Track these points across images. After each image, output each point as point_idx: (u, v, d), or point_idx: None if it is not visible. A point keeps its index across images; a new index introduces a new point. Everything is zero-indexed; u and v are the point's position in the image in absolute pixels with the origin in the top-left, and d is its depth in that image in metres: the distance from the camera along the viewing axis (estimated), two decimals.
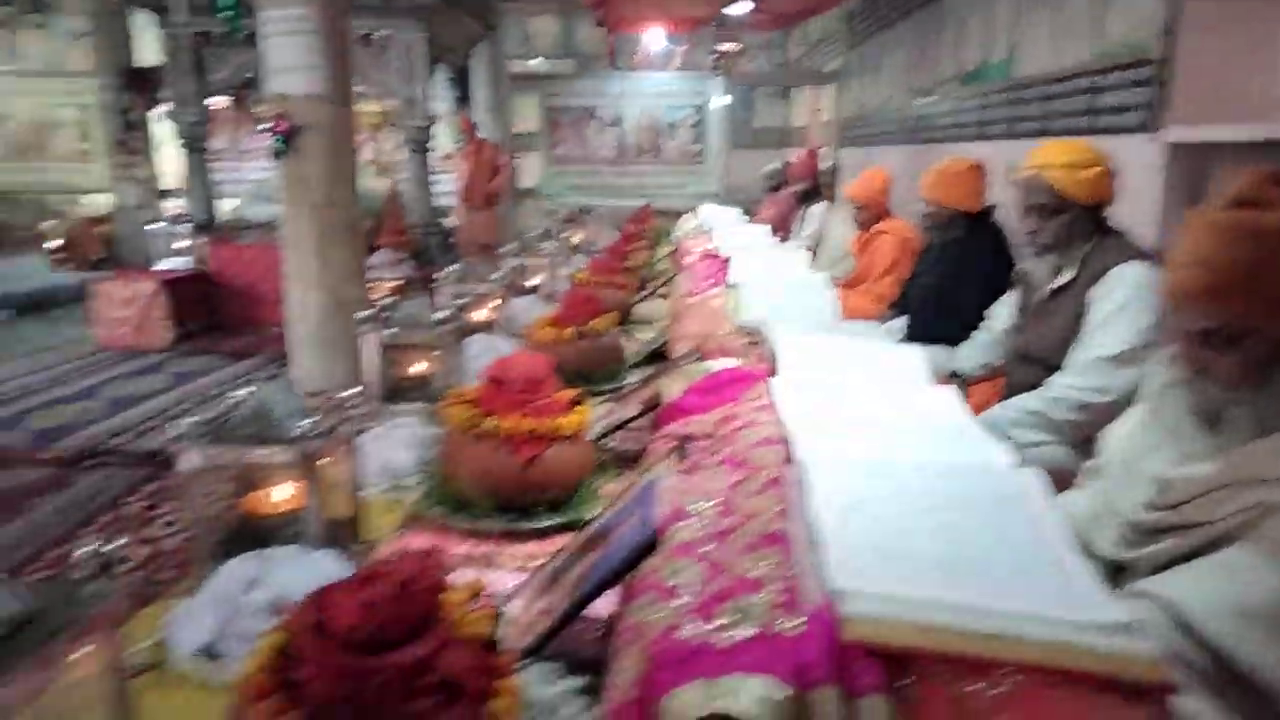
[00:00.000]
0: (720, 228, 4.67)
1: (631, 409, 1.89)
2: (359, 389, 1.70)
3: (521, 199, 9.84)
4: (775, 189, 6.72)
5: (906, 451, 1.08)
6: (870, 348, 1.72)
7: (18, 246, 9.07)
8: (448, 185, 7.93)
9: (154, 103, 9.17)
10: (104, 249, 10.31)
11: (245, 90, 8.43)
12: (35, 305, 7.76)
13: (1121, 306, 1.81)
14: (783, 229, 5.75)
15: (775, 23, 5.95)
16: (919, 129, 6.09)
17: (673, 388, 1.50)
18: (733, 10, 4.47)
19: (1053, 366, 1.87)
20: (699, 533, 0.91)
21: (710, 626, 0.75)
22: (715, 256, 3.72)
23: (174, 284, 6.20)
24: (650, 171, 10.34)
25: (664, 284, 3.92)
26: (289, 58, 4.24)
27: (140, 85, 8.80)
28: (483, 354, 2.86)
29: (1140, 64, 3.04)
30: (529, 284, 4.06)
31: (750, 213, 6.20)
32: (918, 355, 1.65)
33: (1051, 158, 1.96)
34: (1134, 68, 3.09)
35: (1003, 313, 2.20)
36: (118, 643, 0.98)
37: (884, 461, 1.01)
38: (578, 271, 3.51)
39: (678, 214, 7.35)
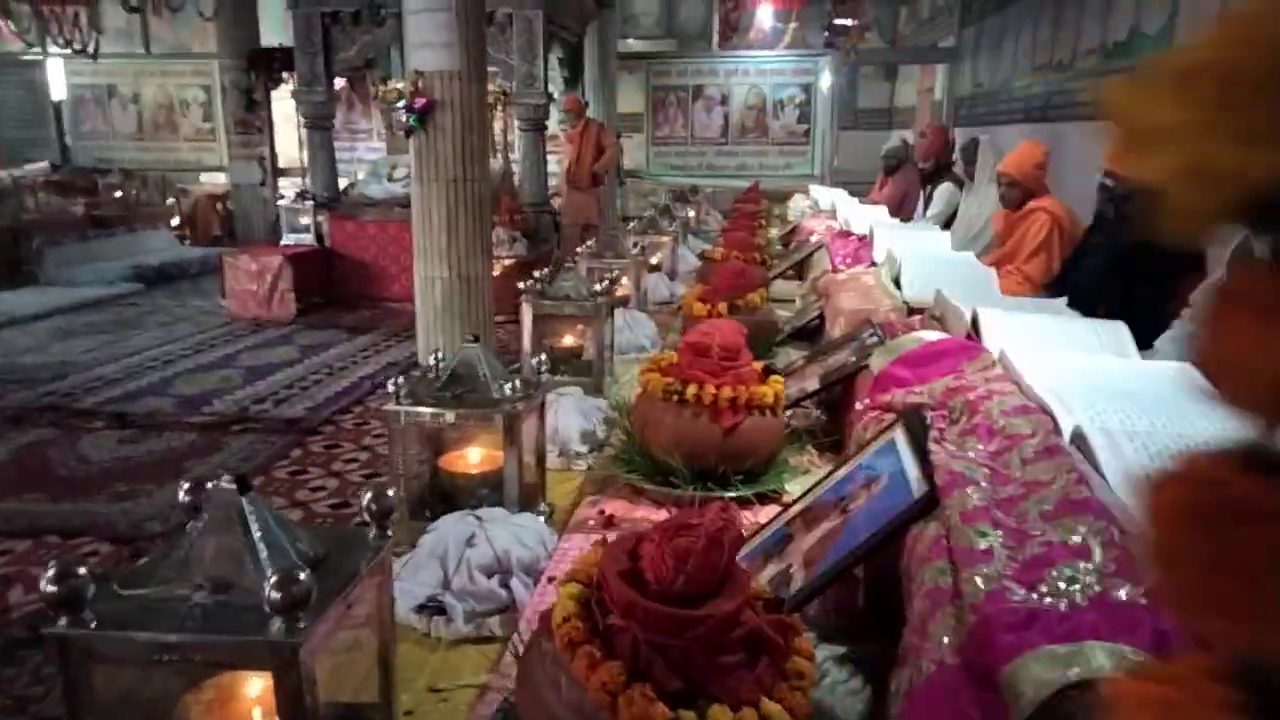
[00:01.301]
0: (844, 207, 4.59)
1: (811, 383, 1.86)
2: (542, 357, 1.71)
3: (623, 179, 9.85)
4: (893, 169, 6.55)
5: (1183, 425, 1.03)
6: (1071, 324, 1.65)
7: (146, 222, 9.54)
8: (553, 165, 8.01)
9: (276, 82, 9.51)
10: (221, 225, 10.79)
11: (360, 70, 8.68)
12: (164, 278, 8.17)
13: None
14: (903, 210, 5.61)
15: None
16: (1049, 107, 5.83)
17: (878, 360, 1.47)
18: None
19: None
20: (984, 499, 0.88)
21: (1039, 593, 0.72)
22: (850, 235, 3.65)
23: (297, 259, 6.43)
24: (754, 152, 10.21)
25: (791, 263, 3.87)
26: (427, 34, 4.32)
27: (263, 65, 9.13)
28: (624, 328, 2.88)
29: None
30: (653, 261, 4.05)
31: (856, 194, 6.06)
32: (1123, 330, 1.58)
33: None
34: None
35: (1211, 295, 2.07)
36: (389, 587, 1.01)
37: (1168, 434, 0.96)
38: (713, 248, 3.48)
39: (779, 196, 7.27)
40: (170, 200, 11.41)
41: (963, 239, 4.22)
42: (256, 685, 0.92)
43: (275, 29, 9.93)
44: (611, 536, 1.39)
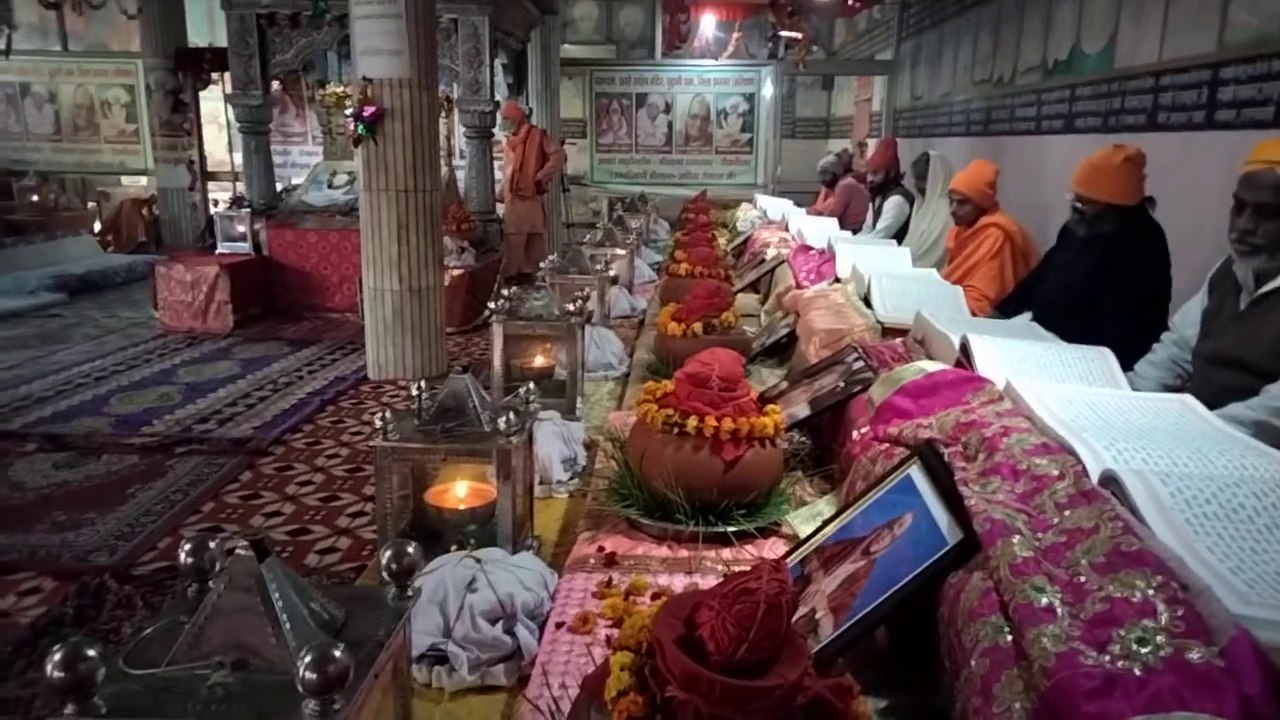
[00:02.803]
0: (795, 219, 4.62)
1: (800, 409, 1.85)
2: (530, 386, 1.67)
3: (567, 186, 9.80)
4: (832, 181, 6.65)
5: (1201, 463, 1.04)
6: (1059, 351, 1.67)
7: (66, 227, 9.12)
8: (499, 173, 7.91)
9: (204, 83, 9.20)
10: (146, 230, 10.38)
11: (295, 73, 8.44)
12: (88, 287, 7.82)
13: None
14: (847, 221, 5.69)
15: (848, 9, 5.86)
16: (990, 120, 5.99)
17: (879, 391, 1.46)
18: None
19: (1257, 372, 1.80)
20: (1030, 549, 0.87)
21: (1110, 655, 0.71)
22: (810, 249, 3.67)
23: (234, 269, 6.21)
24: (698, 160, 10.26)
25: (754, 279, 3.88)
26: (376, 41, 4.22)
27: (191, 66, 8.82)
28: (591, 345, 2.84)
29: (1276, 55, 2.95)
30: (610, 274, 4.02)
31: (800, 203, 6.14)
32: (1110, 358, 1.61)
33: None
34: (1268, 59, 2.99)
35: (1192, 318, 2.12)
36: (409, 649, 0.96)
37: (1196, 475, 0.97)
38: (673, 261, 3.46)
39: (724, 204, 7.31)
40: (91, 204, 10.94)
41: (916, 253, 4.28)
42: None
43: (200, 28, 9.60)
44: (614, 575, 1.37)
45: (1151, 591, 0.76)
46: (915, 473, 1.17)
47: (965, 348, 1.62)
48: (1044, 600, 0.78)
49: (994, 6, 5.97)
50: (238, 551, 0.81)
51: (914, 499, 1.12)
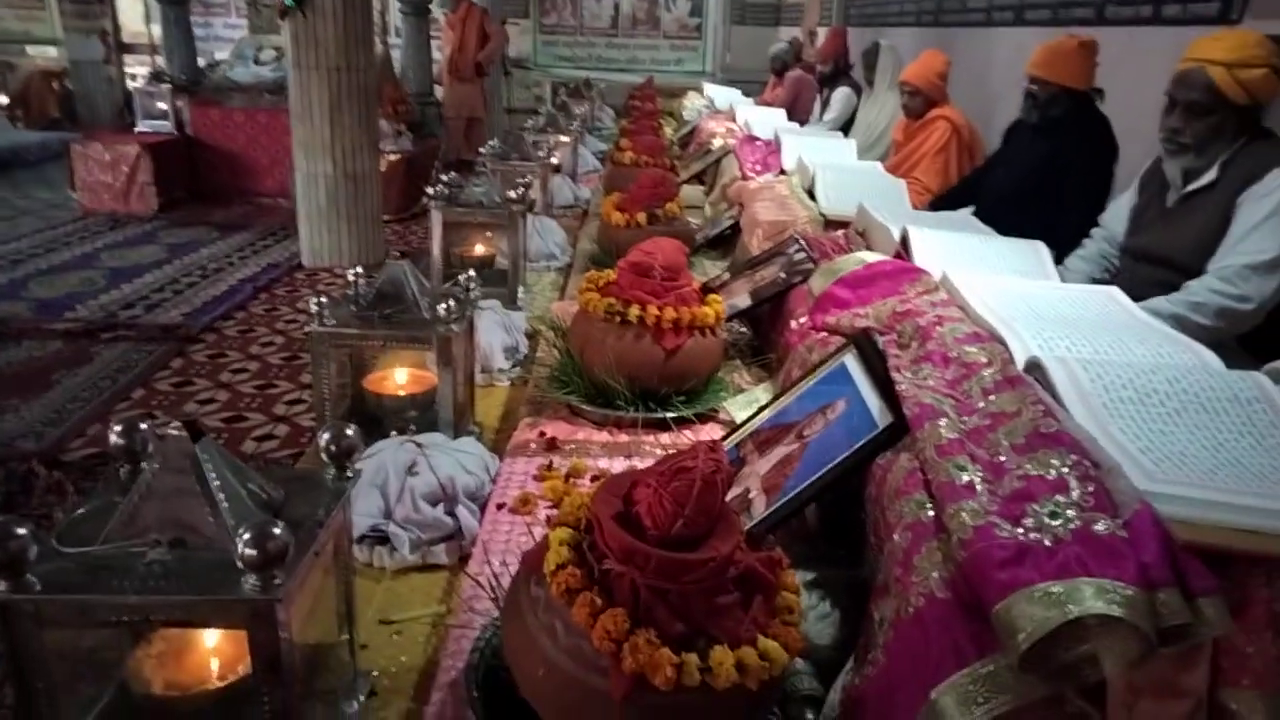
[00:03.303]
0: (742, 110, 4.54)
1: (741, 299, 1.87)
2: (471, 274, 1.64)
3: (508, 70, 9.43)
4: (782, 70, 6.51)
5: (1122, 351, 1.08)
6: (995, 243, 1.70)
7: None
8: (437, 54, 7.56)
9: None
10: (59, 105, 9.74)
11: None
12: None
13: (1275, 212, 1.78)
14: (795, 112, 5.61)
15: None
16: (941, 10, 5.89)
17: (819, 281, 1.48)
18: None
19: (1180, 268, 1.86)
20: (956, 431, 0.91)
21: (1024, 528, 0.75)
22: (756, 140, 3.63)
23: (157, 149, 5.90)
24: (645, 45, 9.94)
25: (699, 169, 3.83)
26: None
27: None
28: (533, 234, 2.80)
29: None
30: (553, 162, 3.93)
31: (749, 94, 6.03)
32: (1043, 250, 1.64)
33: (1216, 52, 1.84)
34: None
35: (1121, 216, 2.16)
36: (350, 529, 0.97)
37: (1116, 362, 1.01)
38: (617, 150, 3.39)
39: (671, 92, 7.14)
40: None
41: (861, 145, 4.25)
42: (211, 636, 0.88)
43: None
44: (555, 459, 1.39)
45: (1066, 469, 0.80)
46: (850, 360, 1.20)
47: (905, 240, 1.64)
48: (965, 478, 0.82)
49: None
50: (170, 432, 0.80)
51: (847, 386, 1.15)
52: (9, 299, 4.05)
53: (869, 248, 1.79)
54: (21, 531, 0.71)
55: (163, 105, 6.21)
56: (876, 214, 1.86)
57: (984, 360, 1.04)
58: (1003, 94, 4.74)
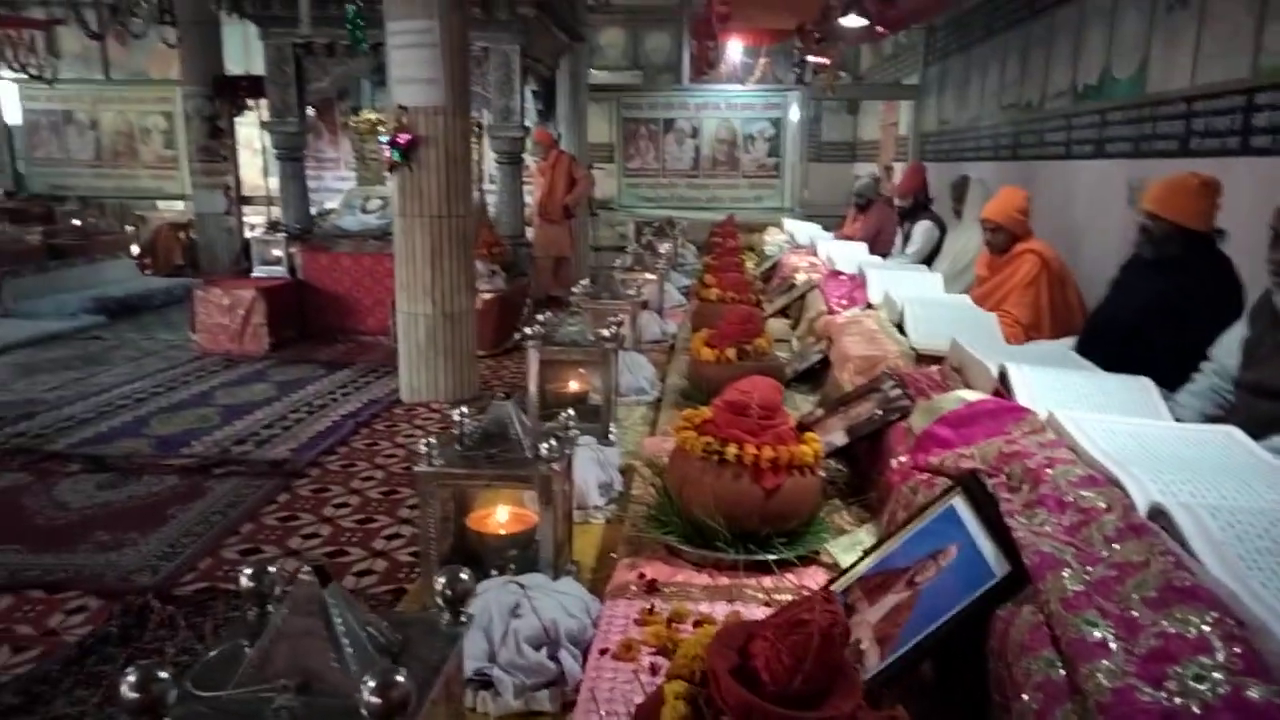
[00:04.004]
0: (824, 245, 4.63)
1: (836, 437, 1.86)
2: (570, 412, 1.69)
3: (595, 211, 9.88)
4: (866, 204, 6.64)
5: (1249, 496, 1.04)
6: (1099, 380, 1.67)
7: (105, 251, 9.32)
8: (529, 198, 8.00)
9: (240, 110, 9.40)
10: (183, 254, 10.59)
11: (327, 101, 8.61)
12: (127, 310, 7.97)
13: None
14: (878, 246, 5.68)
15: (875, 34, 5.90)
16: (1019, 145, 5.98)
17: (919, 420, 1.47)
18: (847, 22, 4.41)
19: None
20: (1081, 583, 0.88)
21: (1168, 691, 0.72)
22: (840, 275, 3.68)
23: (270, 292, 6.32)
24: (724, 184, 10.31)
25: (784, 304, 3.89)
26: (412, 70, 4.30)
27: (228, 93, 9.03)
28: (624, 370, 2.86)
29: None
30: (641, 299, 4.04)
31: (826, 227, 6.15)
32: (1151, 388, 1.60)
33: None
34: None
35: (1232, 348, 2.10)
36: (461, 674, 0.98)
37: (1245, 509, 0.97)
38: (703, 286, 3.48)
39: (750, 228, 7.34)
40: (129, 229, 11.18)
41: (947, 275, 4.27)
42: None
43: (237, 56, 9.83)
44: (656, 602, 1.38)
45: (1207, 628, 0.76)
46: (959, 503, 1.17)
47: (1004, 376, 1.62)
48: (1097, 634, 0.79)
49: (1022, 32, 5.98)
50: (301, 576, 0.84)
51: (958, 530, 1.12)
52: (132, 436, 4.31)
53: (966, 384, 1.78)
54: (164, 676, 0.74)
55: (277, 252, 6.69)
56: (971, 349, 1.85)
57: (1103, 505, 1.01)
58: (1085, 226, 4.74)
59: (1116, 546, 0.92)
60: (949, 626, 0.98)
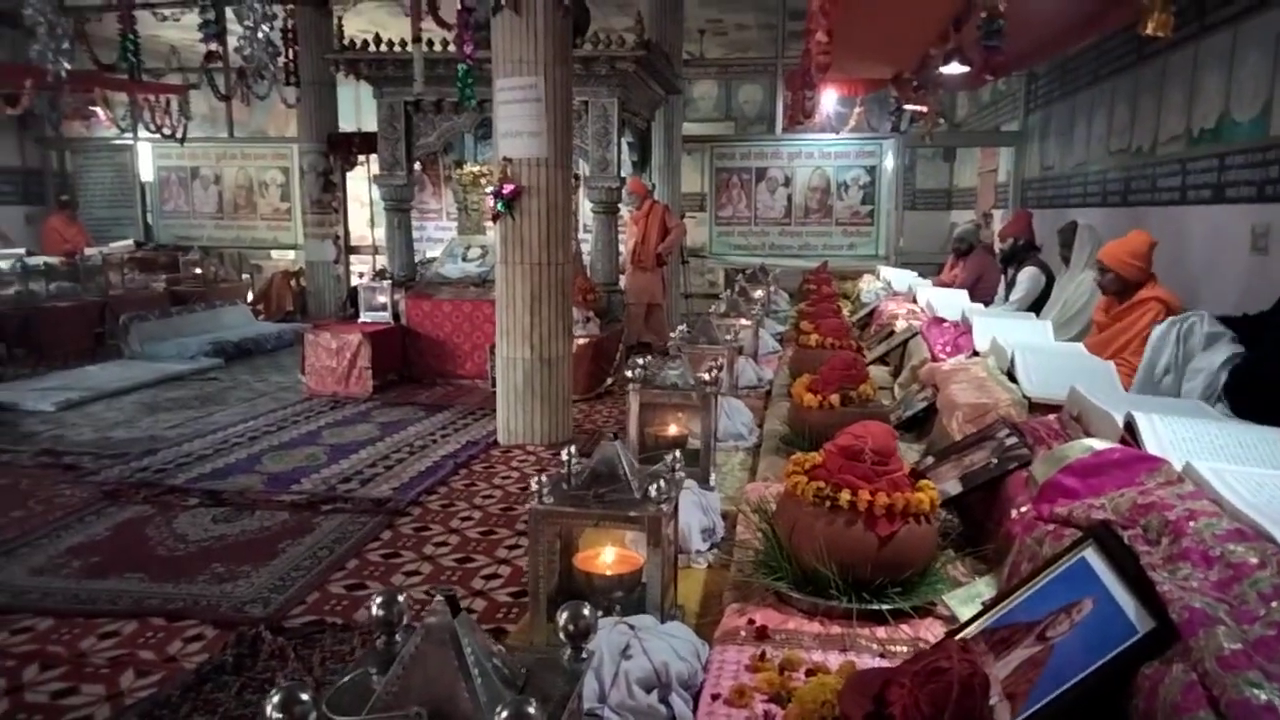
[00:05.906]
0: (923, 292, 4.55)
1: (950, 485, 1.81)
2: (677, 454, 1.69)
3: (686, 259, 9.97)
4: (967, 251, 6.51)
5: None
6: (1235, 429, 1.58)
7: (223, 298, 9.87)
8: (623, 246, 8.14)
9: (351, 165, 9.90)
10: (294, 301, 11.13)
11: (432, 155, 8.99)
12: (242, 353, 8.39)
13: None
14: (978, 293, 5.55)
15: (975, 81, 5.83)
16: (1129, 190, 5.78)
17: (1043, 468, 1.42)
18: (948, 70, 4.38)
19: None
20: (1239, 642, 0.83)
21: None
22: (943, 322, 3.61)
23: (376, 337, 6.56)
24: (817, 232, 10.27)
25: (886, 351, 3.83)
26: (518, 124, 4.46)
27: (341, 149, 9.52)
28: (721, 415, 2.85)
29: None
30: (738, 344, 4.03)
31: (923, 275, 6.04)
32: None
33: None
34: None
35: None
36: (581, 713, 0.98)
37: None
38: (803, 333, 3.46)
39: (844, 275, 7.27)
40: (245, 276, 11.85)
41: (1056, 323, 4.14)
42: None
43: (348, 114, 10.37)
44: (767, 649, 1.35)
45: None
46: (1091, 555, 1.12)
47: (1130, 426, 1.56)
48: (1262, 697, 0.74)
49: (1130, 76, 5.81)
50: (434, 606, 0.86)
51: (1092, 583, 1.07)
52: (246, 472, 4.50)
53: (1086, 433, 1.71)
54: (305, 698, 0.77)
55: (383, 299, 6.96)
56: (1094, 398, 1.79)
57: (1255, 561, 0.95)
58: (1201, 273, 4.52)
59: (1275, 604, 0.87)
60: (1088, 683, 0.93)
